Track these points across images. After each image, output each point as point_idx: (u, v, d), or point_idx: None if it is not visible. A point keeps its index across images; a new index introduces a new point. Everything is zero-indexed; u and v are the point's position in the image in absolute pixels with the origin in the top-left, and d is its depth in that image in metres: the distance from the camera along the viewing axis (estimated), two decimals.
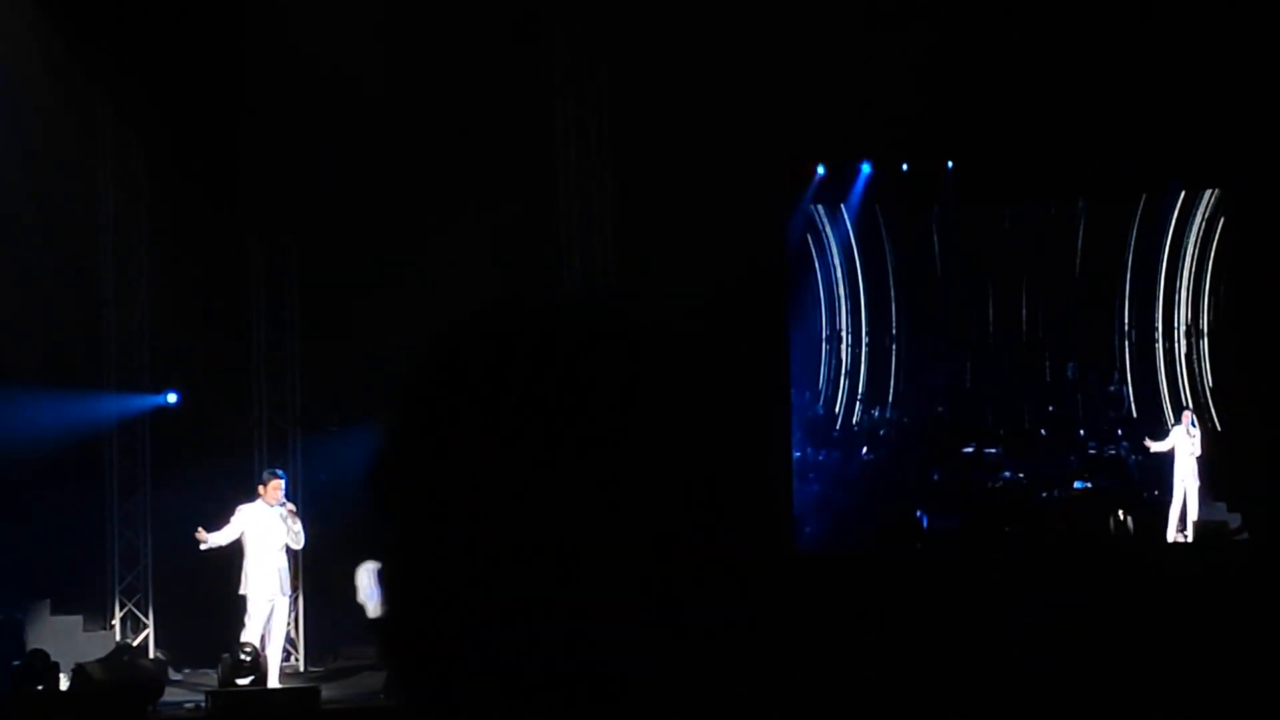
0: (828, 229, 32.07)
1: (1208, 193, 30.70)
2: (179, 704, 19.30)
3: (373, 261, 22.12)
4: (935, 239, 32.05)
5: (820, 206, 31.68)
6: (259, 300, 22.17)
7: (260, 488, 19.49)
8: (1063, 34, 24.76)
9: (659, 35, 22.79)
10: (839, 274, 32.26)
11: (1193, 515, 26.50)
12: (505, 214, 22.41)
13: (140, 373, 21.97)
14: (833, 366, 32.44)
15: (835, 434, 31.81)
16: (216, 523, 19.21)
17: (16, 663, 18.81)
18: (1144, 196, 30.99)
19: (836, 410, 32.26)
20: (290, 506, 19.48)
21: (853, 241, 32.08)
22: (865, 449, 31.26)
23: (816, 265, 32.13)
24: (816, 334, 32.19)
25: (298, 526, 19.46)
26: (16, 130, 21.14)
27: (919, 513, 27.05)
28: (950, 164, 29.46)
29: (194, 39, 21.32)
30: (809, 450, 30.77)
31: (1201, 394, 30.73)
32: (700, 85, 22.68)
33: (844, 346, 32.43)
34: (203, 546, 19.10)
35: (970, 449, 30.50)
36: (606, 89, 23.75)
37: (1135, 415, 31.12)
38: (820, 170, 29.57)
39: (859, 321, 32.38)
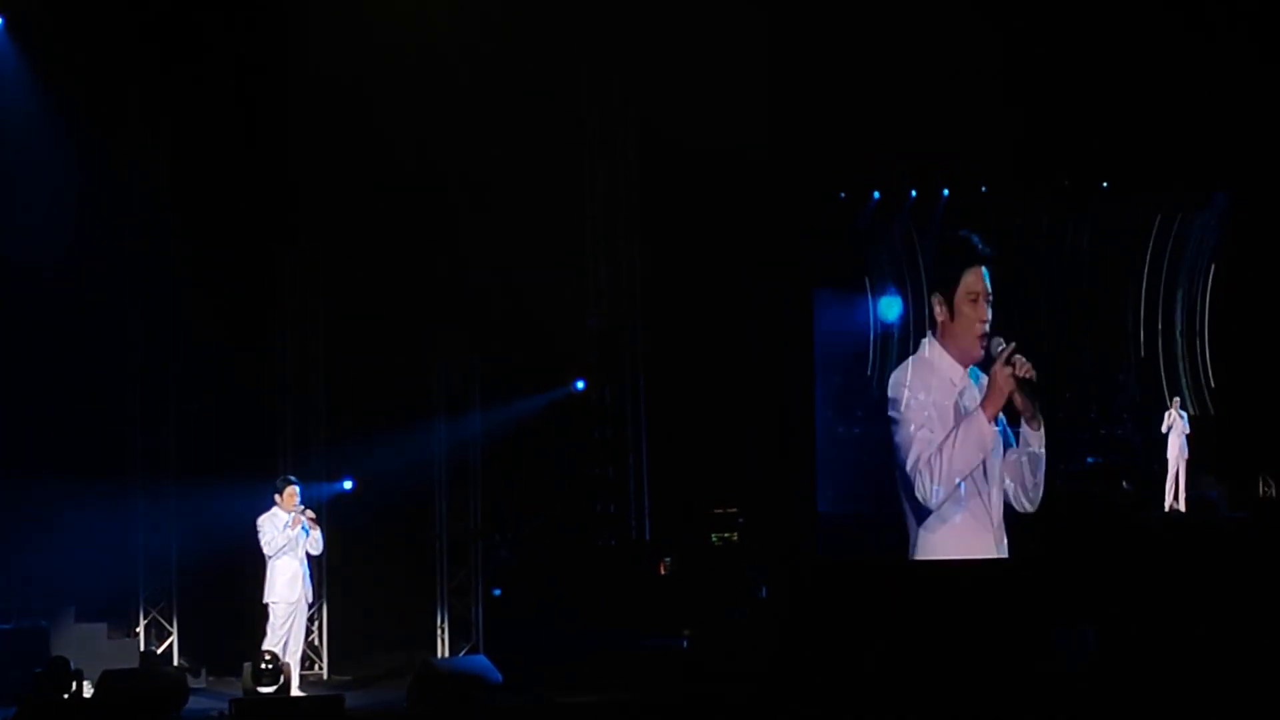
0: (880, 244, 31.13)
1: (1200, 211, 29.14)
2: (203, 712, 17.39)
3: (399, 274, 20.34)
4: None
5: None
6: (285, 308, 20.08)
7: (276, 495, 17.63)
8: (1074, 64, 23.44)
9: (683, 81, 21.39)
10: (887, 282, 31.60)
11: (1184, 488, 26.47)
12: (531, 230, 21.05)
13: (166, 380, 19.84)
14: (887, 356, 30.98)
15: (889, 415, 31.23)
16: (242, 534, 17.66)
17: (38, 669, 16.96)
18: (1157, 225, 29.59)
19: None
20: (309, 514, 17.67)
21: (901, 255, 31.32)
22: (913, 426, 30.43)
23: (869, 274, 31.27)
24: (874, 329, 30.56)
25: (317, 533, 17.69)
26: (47, 134, 19.24)
27: None
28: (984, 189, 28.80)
29: (229, 49, 19.72)
30: (870, 426, 29.00)
31: (1199, 386, 29.30)
32: (722, 119, 21.25)
33: (894, 341, 31.70)
34: (295, 528, 17.46)
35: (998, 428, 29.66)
36: (633, 113, 22.52)
37: (1140, 401, 29.65)
38: (875, 194, 29.08)
39: (907, 319, 31.66)
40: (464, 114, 20.31)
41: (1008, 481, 22.09)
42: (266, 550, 17.58)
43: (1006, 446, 22.02)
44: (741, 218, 22.13)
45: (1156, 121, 23.95)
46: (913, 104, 23.37)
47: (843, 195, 26.81)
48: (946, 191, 28.45)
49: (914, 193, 28.84)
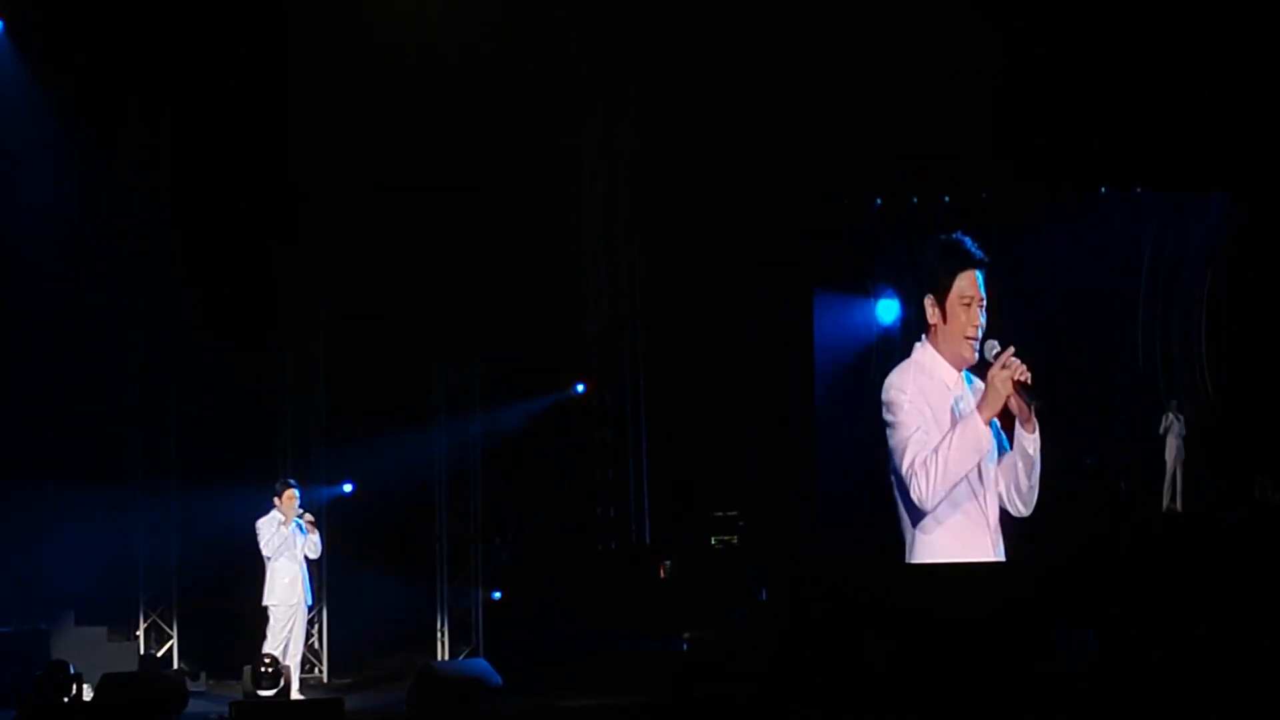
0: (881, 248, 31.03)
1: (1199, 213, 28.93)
2: (203, 715, 16.96)
3: (399, 274, 19.95)
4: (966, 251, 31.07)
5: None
6: (285, 308, 19.74)
7: (275, 499, 17.24)
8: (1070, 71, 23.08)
9: (683, 80, 20.88)
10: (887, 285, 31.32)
11: (1181, 489, 26.54)
12: (531, 230, 20.59)
13: (166, 380, 19.51)
14: (888, 359, 31.67)
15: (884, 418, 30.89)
16: (242, 537, 17.25)
17: (38, 672, 16.53)
18: (1155, 227, 29.42)
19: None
20: (308, 516, 17.32)
21: (903, 259, 31.17)
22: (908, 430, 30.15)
23: (870, 276, 30.87)
24: (875, 331, 30.37)
25: (315, 536, 17.33)
26: (47, 135, 18.93)
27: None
28: (984, 194, 28.50)
29: (229, 49, 19.41)
30: (870, 427, 29.72)
31: (1196, 387, 29.18)
32: (722, 120, 20.64)
33: (895, 344, 31.51)
34: (287, 525, 17.12)
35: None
36: (633, 113, 22.02)
37: (1138, 402, 29.39)
38: (878, 200, 28.80)
39: (908, 322, 31.45)
40: (464, 114, 19.97)
41: (1002, 485, 21.74)
42: (264, 551, 17.26)
43: (1001, 450, 21.68)
44: (742, 219, 21.66)
45: (1155, 123, 23.66)
46: (912, 106, 23.04)
47: (846, 201, 26.62)
48: (947, 198, 28.30)
49: (915, 199, 28.68)
